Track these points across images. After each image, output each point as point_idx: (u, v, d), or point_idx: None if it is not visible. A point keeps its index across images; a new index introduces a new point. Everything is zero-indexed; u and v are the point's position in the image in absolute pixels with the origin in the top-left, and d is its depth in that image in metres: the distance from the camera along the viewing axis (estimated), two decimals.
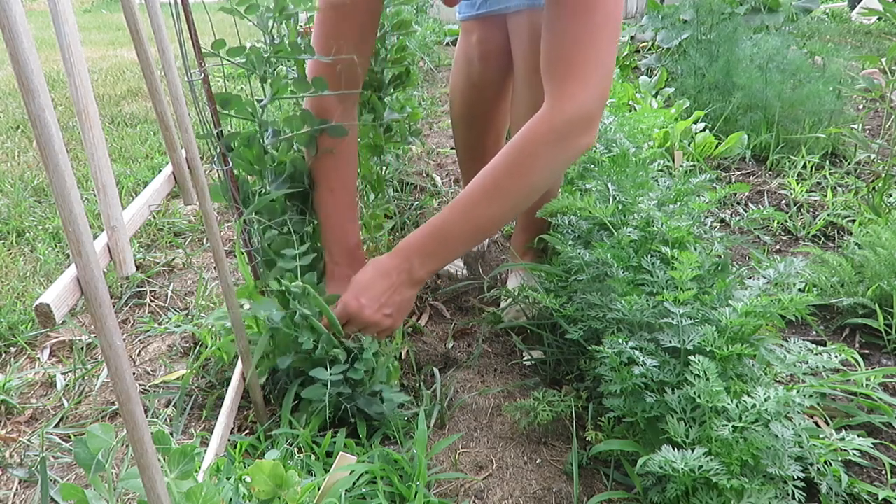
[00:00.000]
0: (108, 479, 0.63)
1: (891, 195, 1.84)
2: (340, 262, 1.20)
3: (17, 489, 1.01)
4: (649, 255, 1.09)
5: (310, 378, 1.06)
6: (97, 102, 1.28)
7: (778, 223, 1.83)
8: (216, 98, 1.03)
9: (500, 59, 1.46)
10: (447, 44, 5.16)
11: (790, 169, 2.20)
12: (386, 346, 1.16)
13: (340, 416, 1.08)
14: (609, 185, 1.29)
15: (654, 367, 0.92)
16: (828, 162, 2.24)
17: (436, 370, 1.23)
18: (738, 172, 2.24)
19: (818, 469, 0.93)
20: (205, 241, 1.85)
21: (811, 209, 1.90)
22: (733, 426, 0.81)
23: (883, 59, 2.11)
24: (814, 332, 1.36)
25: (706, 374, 0.84)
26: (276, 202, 1.13)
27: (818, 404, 1.09)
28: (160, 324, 1.44)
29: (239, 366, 1.11)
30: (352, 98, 1.19)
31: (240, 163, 1.10)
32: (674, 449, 0.81)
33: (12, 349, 1.37)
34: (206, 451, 0.93)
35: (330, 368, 1.03)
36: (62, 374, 1.27)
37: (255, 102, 1.08)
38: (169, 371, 1.28)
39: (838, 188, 2.03)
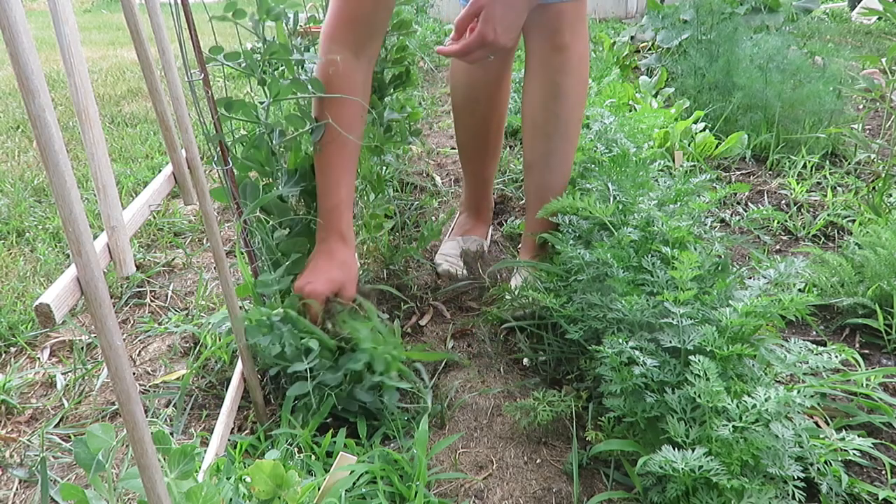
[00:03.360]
0: (108, 479, 0.63)
1: (891, 195, 1.84)
2: (327, 237, 1.16)
3: (17, 489, 1.01)
4: (649, 255, 1.09)
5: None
6: (97, 102, 1.28)
7: (778, 223, 1.83)
8: (219, 102, 1.03)
9: None
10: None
11: (790, 169, 2.20)
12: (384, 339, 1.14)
13: (340, 416, 1.08)
14: (609, 184, 1.29)
15: (655, 367, 0.92)
16: (828, 162, 2.24)
17: (440, 361, 1.23)
18: (738, 172, 2.24)
19: (818, 469, 0.93)
20: (205, 241, 1.85)
21: (811, 209, 1.90)
22: (733, 426, 0.81)
23: (883, 59, 2.11)
24: (814, 332, 1.36)
25: (706, 374, 0.84)
26: (286, 201, 1.14)
27: (818, 404, 1.09)
28: (160, 324, 1.44)
29: (239, 366, 1.11)
30: (367, 55, 1.22)
31: (250, 165, 1.10)
32: (674, 449, 0.81)
33: (12, 349, 1.37)
34: (206, 451, 0.93)
35: (306, 358, 1.03)
36: (62, 374, 1.27)
37: (258, 105, 1.08)
38: (169, 371, 1.28)
39: (838, 188, 2.03)
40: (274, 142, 1.11)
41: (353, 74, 1.17)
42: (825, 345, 1.11)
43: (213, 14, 0.97)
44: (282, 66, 1.23)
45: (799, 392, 0.83)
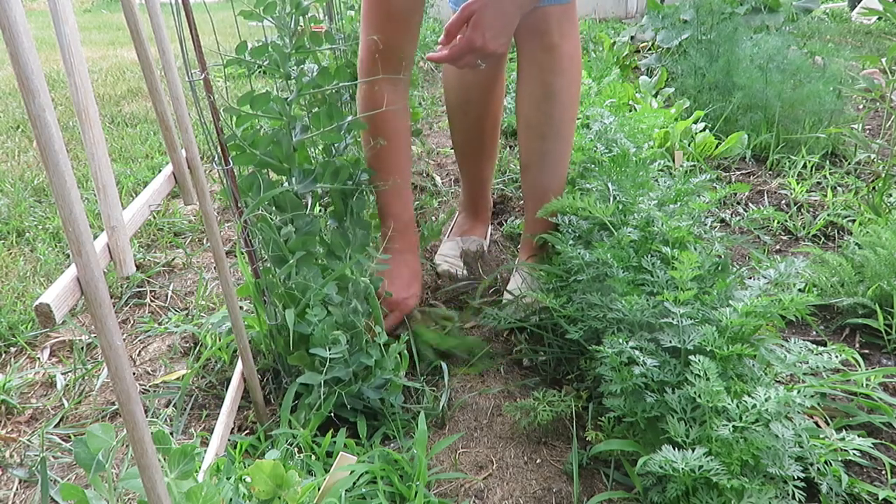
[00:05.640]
0: (108, 479, 0.62)
1: (891, 195, 1.84)
2: (398, 230, 1.35)
3: (17, 489, 1.01)
4: (649, 255, 1.09)
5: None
6: (97, 102, 1.28)
7: (778, 223, 1.83)
8: (242, 99, 1.03)
9: None
10: None
11: (790, 169, 2.20)
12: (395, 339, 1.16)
13: (341, 416, 1.08)
14: (609, 184, 1.29)
15: (655, 366, 0.92)
16: (828, 162, 2.24)
17: (443, 364, 1.22)
18: (738, 172, 2.24)
19: (818, 469, 0.93)
20: (205, 241, 1.85)
21: (811, 209, 1.90)
22: (733, 426, 0.81)
23: (883, 59, 2.11)
24: (814, 332, 1.36)
25: (706, 374, 0.84)
26: (301, 198, 1.13)
27: (818, 404, 1.09)
28: (160, 324, 1.44)
29: (239, 366, 1.11)
30: (403, 82, 1.32)
31: (269, 162, 1.10)
32: (674, 449, 0.81)
33: (12, 349, 1.37)
34: (206, 451, 0.93)
35: (330, 350, 1.03)
36: (62, 374, 1.27)
37: (282, 100, 1.08)
38: (169, 371, 1.28)
39: (838, 188, 2.03)
40: (295, 138, 1.11)
41: (397, 100, 1.27)
42: (825, 345, 1.11)
43: (214, 11, 0.97)
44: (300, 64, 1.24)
45: (799, 392, 0.83)
